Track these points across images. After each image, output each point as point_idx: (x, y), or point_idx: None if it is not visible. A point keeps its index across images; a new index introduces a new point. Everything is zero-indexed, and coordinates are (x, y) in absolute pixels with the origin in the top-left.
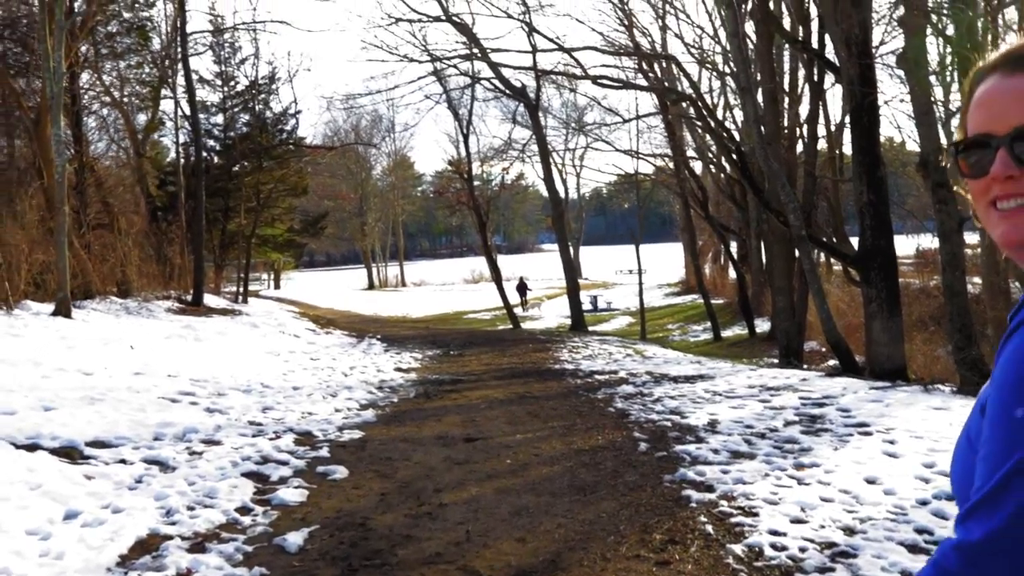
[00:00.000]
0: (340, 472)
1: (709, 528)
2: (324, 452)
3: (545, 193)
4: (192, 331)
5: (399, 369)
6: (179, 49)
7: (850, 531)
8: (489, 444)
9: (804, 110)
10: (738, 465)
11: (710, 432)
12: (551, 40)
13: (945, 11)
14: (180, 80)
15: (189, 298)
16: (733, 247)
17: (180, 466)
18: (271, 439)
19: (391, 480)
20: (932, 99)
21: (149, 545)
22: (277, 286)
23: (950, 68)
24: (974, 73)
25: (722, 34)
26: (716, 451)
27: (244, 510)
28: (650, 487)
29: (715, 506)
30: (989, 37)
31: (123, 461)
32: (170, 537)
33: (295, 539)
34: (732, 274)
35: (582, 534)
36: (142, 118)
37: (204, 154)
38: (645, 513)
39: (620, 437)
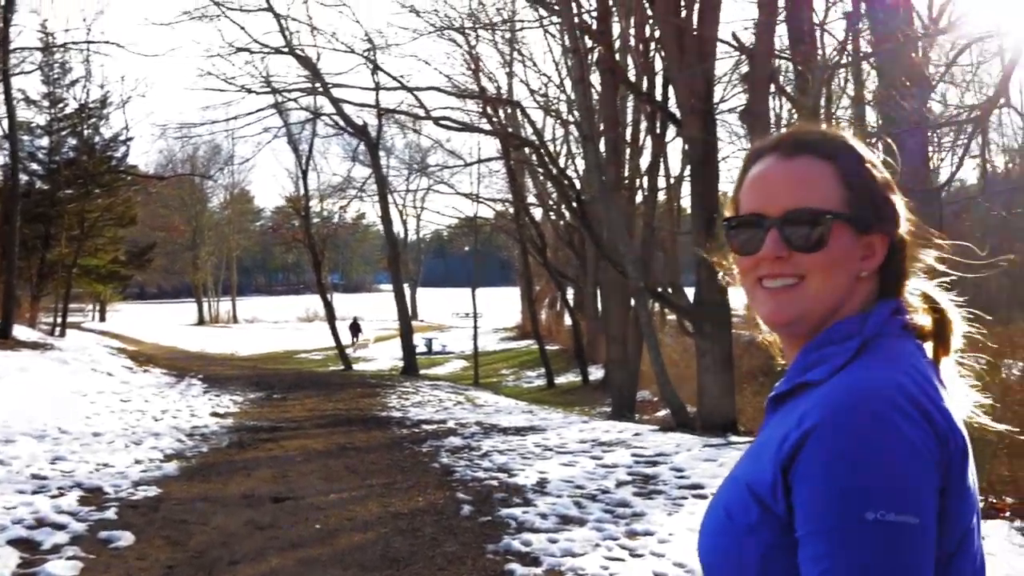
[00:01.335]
0: (125, 539)
1: None
2: (111, 513)
3: None
4: None
5: (216, 414)
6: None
7: None
8: (299, 505)
9: (645, 161)
10: (567, 533)
11: (539, 493)
12: (395, 79)
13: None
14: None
15: None
16: (570, 294)
17: None
18: (53, 496)
19: (182, 548)
20: None
21: None
22: (103, 319)
23: (789, 124)
24: (751, 151)
25: (567, 84)
26: (544, 516)
27: None
28: (471, 559)
29: None
30: (823, 99)
31: None
32: None
33: None
34: (568, 321)
35: None
36: None
37: (26, 178)
38: None
39: (443, 498)
